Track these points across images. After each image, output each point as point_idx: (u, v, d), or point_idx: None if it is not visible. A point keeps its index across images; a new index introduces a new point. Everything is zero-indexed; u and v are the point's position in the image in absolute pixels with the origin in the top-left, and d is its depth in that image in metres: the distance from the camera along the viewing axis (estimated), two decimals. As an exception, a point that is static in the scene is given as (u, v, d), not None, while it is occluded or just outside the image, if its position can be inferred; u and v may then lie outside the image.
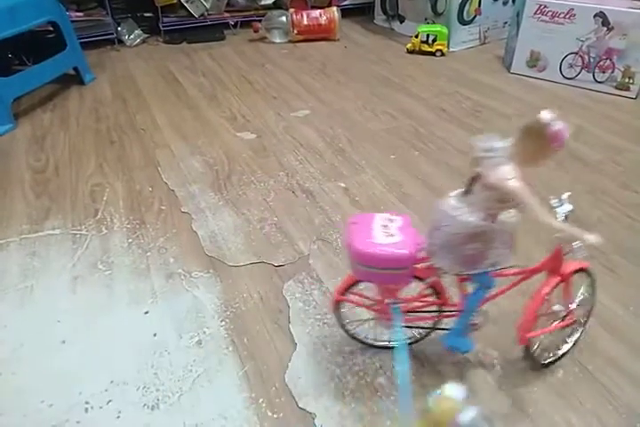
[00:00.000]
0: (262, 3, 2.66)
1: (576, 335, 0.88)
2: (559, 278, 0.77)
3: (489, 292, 0.77)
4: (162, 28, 2.54)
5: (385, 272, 0.74)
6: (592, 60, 1.94)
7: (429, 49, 2.36)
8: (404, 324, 0.81)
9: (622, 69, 1.88)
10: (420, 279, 0.79)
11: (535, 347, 0.84)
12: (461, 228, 0.70)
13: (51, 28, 1.88)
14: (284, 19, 2.53)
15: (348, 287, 0.81)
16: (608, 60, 1.90)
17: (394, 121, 1.72)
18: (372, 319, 0.86)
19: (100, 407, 0.78)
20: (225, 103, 1.85)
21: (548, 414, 0.78)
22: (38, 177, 1.39)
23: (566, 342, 0.87)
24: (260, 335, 0.90)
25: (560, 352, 0.87)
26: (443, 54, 2.36)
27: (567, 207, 0.73)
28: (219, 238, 1.15)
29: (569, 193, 0.75)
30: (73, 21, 2.05)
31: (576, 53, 1.96)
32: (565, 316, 0.81)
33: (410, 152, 1.52)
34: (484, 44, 2.54)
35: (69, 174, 1.40)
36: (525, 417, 0.77)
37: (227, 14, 2.64)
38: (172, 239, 1.14)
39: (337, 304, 0.84)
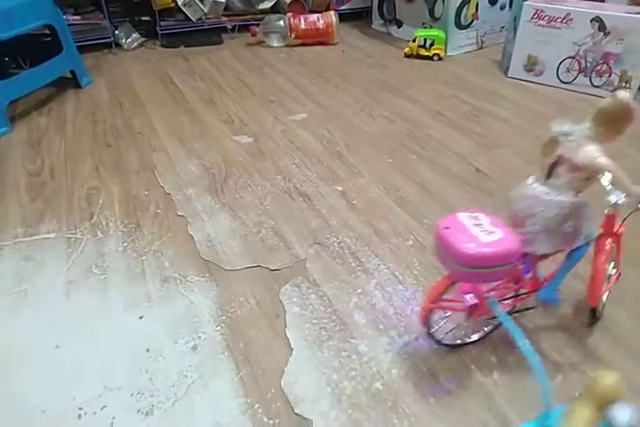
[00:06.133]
0: (260, 7, 2.67)
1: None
2: (612, 239, 0.84)
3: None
4: (159, 32, 2.54)
5: (495, 270, 0.73)
6: (589, 64, 1.94)
7: (427, 53, 2.37)
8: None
9: (619, 74, 1.88)
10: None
11: (601, 305, 0.90)
12: (559, 209, 0.75)
13: (47, 32, 1.88)
14: (281, 23, 2.53)
15: (441, 294, 0.80)
16: (605, 65, 1.90)
17: (391, 125, 1.72)
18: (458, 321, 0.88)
19: (94, 413, 0.77)
20: (222, 107, 1.85)
21: (547, 420, 0.77)
22: (34, 180, 1.38)
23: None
24: (256, 340, 0.89)
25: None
26: (440, 58, 2.36)
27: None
28: (215, 242, 1.14)
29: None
30: (70, 25, 2.05)
31: (573, 58, 1.97)
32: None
33: (407, 156, 1.52)
34: (482, 48, 2.55)
35: (65, 178, 1.39)
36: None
37: (224, 18, 2.65)
38: (167, 243, 1.13)
39: (428, 313, 0.82)
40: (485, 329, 0.89)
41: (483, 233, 0.72)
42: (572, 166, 0.73)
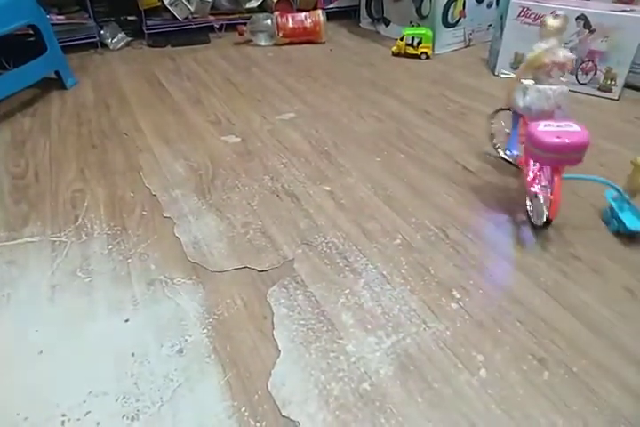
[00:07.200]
0: (247, 6, 2.65)
1: None
2: None
3: None
4: (146, 32, 2.52)
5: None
6: (575, 62, 1.95)
7: (414, 52, 2.37)
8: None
9: (604, 71, 1.89)
10: None
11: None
12: (567, 94, 1.15)
13: (31, 32, 1.86)
14: (269, 22, 2.52)
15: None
16: (590, 63, 1.92)
17: (379, 124, 1.72)
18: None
19: (78, 419, 0.76)
20: (209, 107, 1.84)
21: (534, 417, 0.77)
22: (17, 183, 1.36)
23: None
24: (242, 342, 0.89)
25: None
26: (428, 57, 2.37)
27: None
28: (202, 244, 1.13)
29: None
30: (54, 25, 2.03)
31: (559, 55, 1.98)
32: None
33: (395, 155, 1.52)
34: (469, 46, 2.56)
35: (49, 180, 1.37)
36: (511, 420, 0.76)
37: (211, 17, 2.63)
38: (153, 245, 1.12)
39: None
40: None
41: (570, 128, 1.05)
42: (560, 65, 1.12)
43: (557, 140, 1.02)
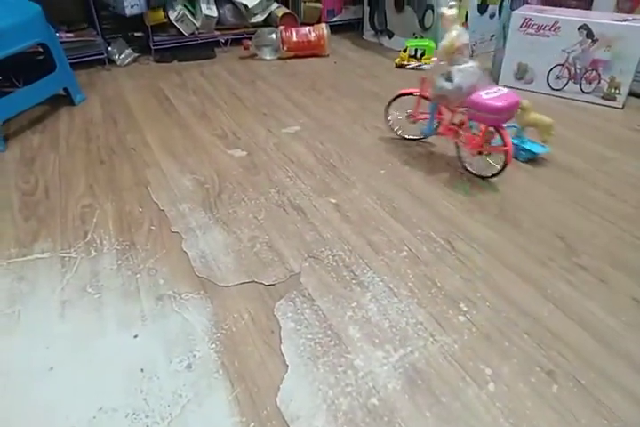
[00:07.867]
0: (252, 20, 2.69)
1: None
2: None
3: None
4: (152, 47, 2.56)
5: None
6: (578, 71, 1.96)
7: (418, 63, 2.39)
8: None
9: (608, 80, 1.90)
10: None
11: None
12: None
13: (41, 50, 1.89)
14: (273, 36, 2.56)
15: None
16: (594, 72, 1.92)
17: (383, 135, 1.73)
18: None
19: (88, 436, 0.77)
20: (215, 121, 1.86)
21: (544, 432, 0.77)
22: (27, 199, 1.38)
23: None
24: (250, 357, 0.89)
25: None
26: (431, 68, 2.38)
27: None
28: (209, 258, 1.14)
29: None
30: (63, 42, 2.07)
31: (562, 65, 1.99)
32: None
33: (400, 166, 1.52)
34: (472, 57, 2.57)
35: (59, 196, 1.39)
36: (520, 436, 0.76)
37: (217, 32, 2.67)
38: (161, 260, 1.13)
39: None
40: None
41: (503, 91, 1.31)
42: (465, 47, 1.33)
43: (504, 102, 1.27)
